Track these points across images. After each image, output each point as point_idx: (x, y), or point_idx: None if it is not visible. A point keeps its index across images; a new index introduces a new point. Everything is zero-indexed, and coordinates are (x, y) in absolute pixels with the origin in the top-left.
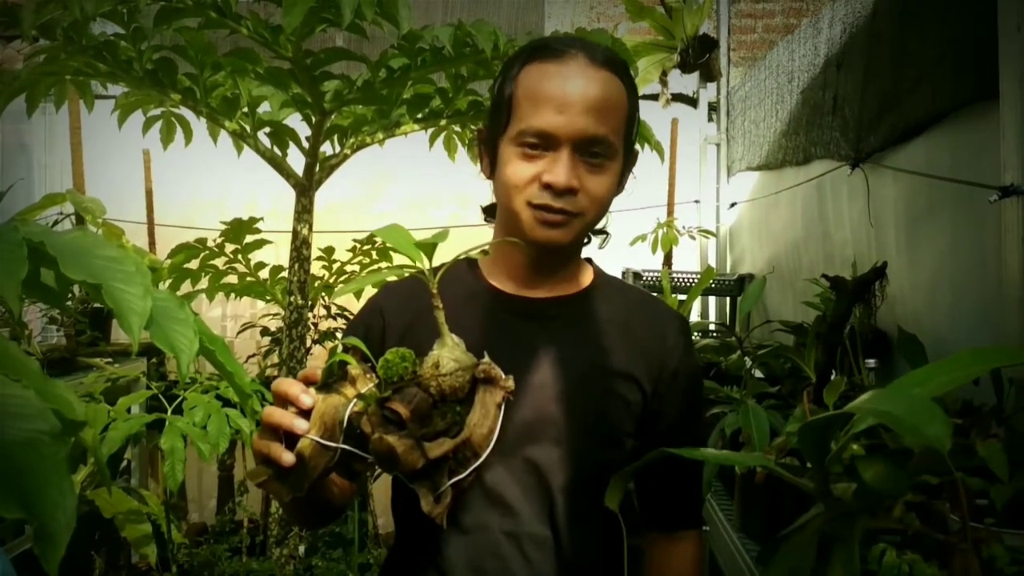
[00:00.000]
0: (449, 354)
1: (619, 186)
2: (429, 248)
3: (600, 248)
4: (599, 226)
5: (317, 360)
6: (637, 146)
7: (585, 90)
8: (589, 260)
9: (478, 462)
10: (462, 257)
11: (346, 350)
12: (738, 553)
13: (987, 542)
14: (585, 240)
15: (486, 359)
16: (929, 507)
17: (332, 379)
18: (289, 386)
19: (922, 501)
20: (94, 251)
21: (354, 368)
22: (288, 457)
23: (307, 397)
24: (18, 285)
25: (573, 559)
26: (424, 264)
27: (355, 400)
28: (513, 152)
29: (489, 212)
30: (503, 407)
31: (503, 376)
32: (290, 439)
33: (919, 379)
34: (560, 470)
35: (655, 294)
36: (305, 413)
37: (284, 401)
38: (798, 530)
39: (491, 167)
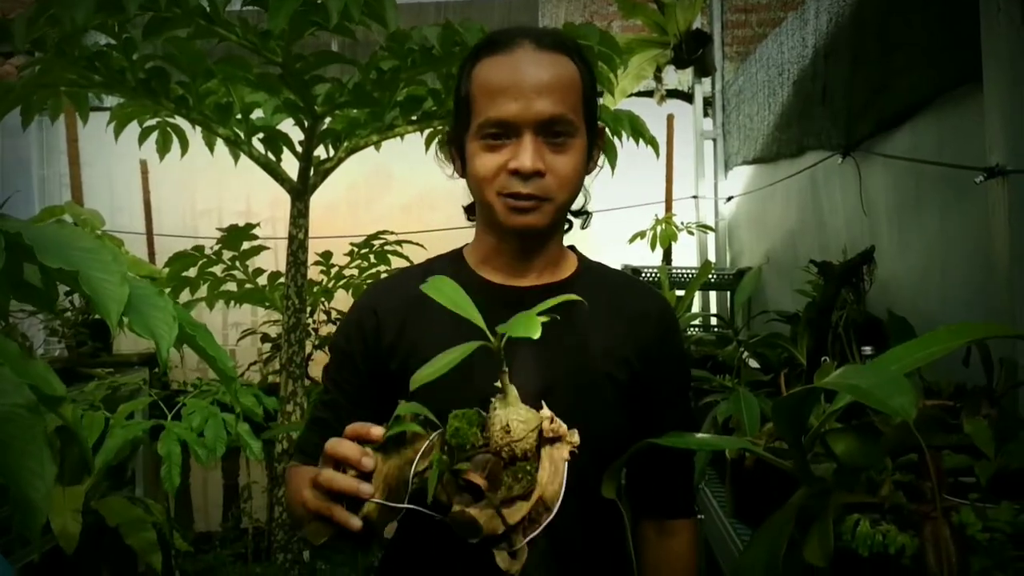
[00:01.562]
0: (515, 415)
1: (588, 163)
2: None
3: (583, 228)
4: (578, 206)
5: (366, 427)
6: (604, 125)
7: (536, 73)
8: (573, 248)
9: (551, 517)
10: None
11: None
12: (730, 539)
13: (957, 509)
14: (566, 226)
15: (546, 411)
16: (918, 486)
17: (389, 439)
18: (348, 449)
19: (911, 480)
20: (71, 242)
21: (416, 428)
22: (356, 522)
23: (368, 459)
24: None
25: (572, 541)
26: (482, 323)
27: (418, 459)
28: (478, 146)
29: (470, 211)
30: (568, 462)
31: (567, 431)
32: (352, 500)
33: (897, 356)
34: None
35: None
36: (365, 474)
37: (339, 463)
38: (780, 509)
39: (462, 166)
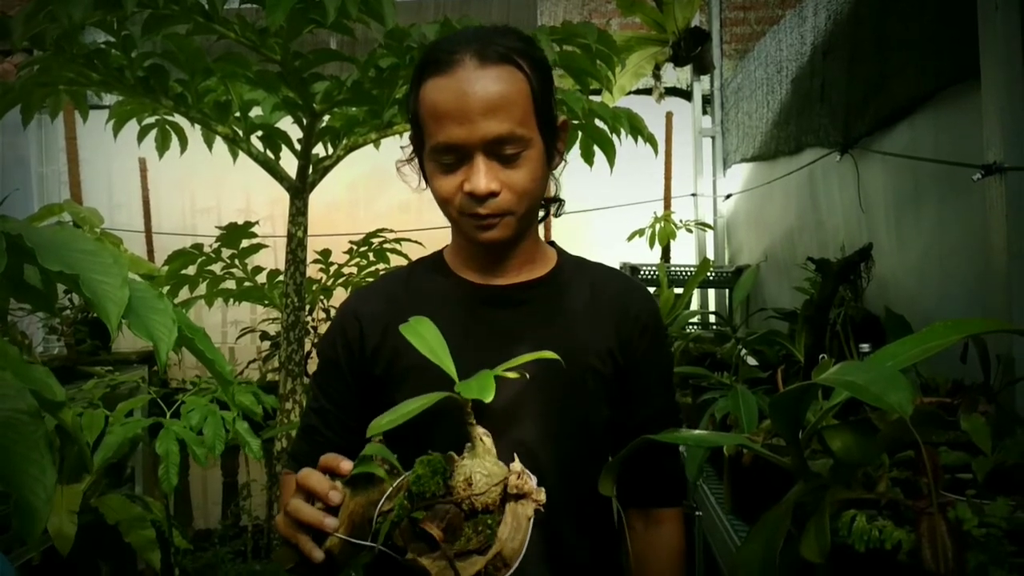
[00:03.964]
0: (480, 468)
1: (551, 161)
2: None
3: (555, 216)
4: (548, 195)
5: (336, 459)
6: (563, 116)
7: (479, 95)
8: (553, 243)
9: (508, 573)
10: None
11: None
12: (728, 535)
13: (954, 505)
14: (541, 213)
15: (516, 464)
16: (915, 482)
17: (359, 476)
18: (318, 482)
19: (907, 477)
20: (72, 244)
21: (379, 471)
22: (318, 554)
23: (336, 494)
24: None
25: (564, 533)
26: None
27: (383, 501)
28: (433, 168)
29: None
30: (533, 520)
31: (534, 488)
32: (318, 531)
33: (894, 352)
34: (546, 447)
35: (651, 288)
36: (334, 507)
37: (311, 495)
38: (777, 505)
39: (425, 178)
